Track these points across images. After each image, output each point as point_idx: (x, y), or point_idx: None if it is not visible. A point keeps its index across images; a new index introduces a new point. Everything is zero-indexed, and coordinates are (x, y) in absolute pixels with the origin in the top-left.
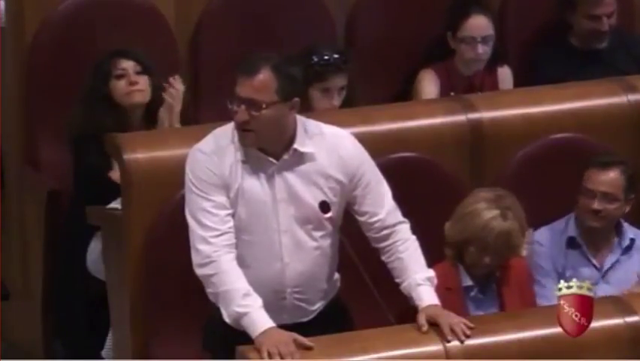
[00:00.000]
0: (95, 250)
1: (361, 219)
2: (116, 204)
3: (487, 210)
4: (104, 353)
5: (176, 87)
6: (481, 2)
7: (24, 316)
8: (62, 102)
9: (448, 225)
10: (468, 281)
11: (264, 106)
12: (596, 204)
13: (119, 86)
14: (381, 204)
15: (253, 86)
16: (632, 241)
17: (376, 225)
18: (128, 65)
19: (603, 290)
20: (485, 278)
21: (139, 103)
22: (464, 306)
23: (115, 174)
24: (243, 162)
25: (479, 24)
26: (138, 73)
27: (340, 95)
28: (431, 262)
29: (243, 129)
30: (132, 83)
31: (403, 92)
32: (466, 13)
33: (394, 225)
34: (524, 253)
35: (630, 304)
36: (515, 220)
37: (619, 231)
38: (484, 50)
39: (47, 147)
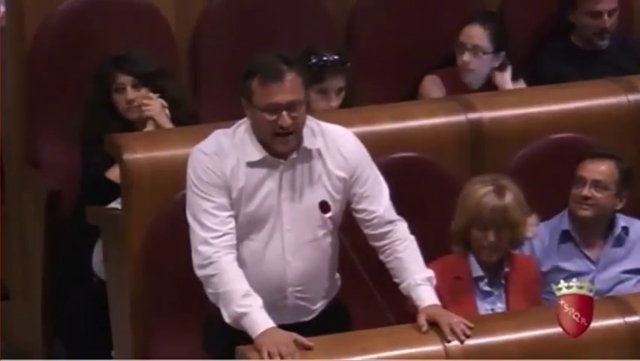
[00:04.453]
0: (100, 251)
1: (359, 216)
2: (116, 204)
3: (481, 189)
4: (114, 353)
5: (146, 102)
6: (492, 15)
7: (24, 316)
8: (62, 102)
9: (453, 221)
10: (478, 271)
11: (302, 104)
12: (586, 191)
13: (119, 99)
14: (379, 201)
15: (289, 90)
16: (625, 229)
17: (374, 221)
18: (125, 80)
19: (599, 283)
20: (495, 269)
21: (137, 118)
22: (473, 296)
23: (112, 173)
24: (249, 163)
25: (470, 32)
26: (136, 86)
27: (338, 97)
28: (431, 261)
29: (286, 133)
30: (129, 102)
31: (406, 98)
32: (468, 20)
33: (392, 222)
34: (530, 233)
35: (630, 304)
36: (512, 197)
37: (612, 223)
38: (470, 60)
39: (47, 147)
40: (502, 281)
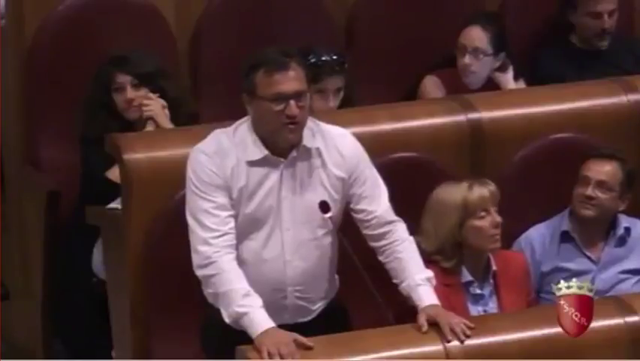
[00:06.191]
0: (100, 251)
1: (358, 216)
2: (116, 204)
3: (457, 187)
4: (114, 353)
5: (146, 102)
6: (492, 16)
7: (24, 316)
8: (62, 102)
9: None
10: (468, 277)
11: (307, 95)
12: (590, 191)
13: (118, 99)
14: (378, 202)
15: (295, 79)
16: (627, 230)
17: (373, 222)
18: (124, 79)
19: (599, 283)
20: (484, 271)
21: (136, 118)
22: (464, 301)
23: (112, 173)
24: (249, 162)
25: (470, 34)
26: (135, 86)
27: (336, 97)
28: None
29: (293, 123)
30: (128, 101)
31: (406, 98)
32: (468, 22)
33: (391, 222)
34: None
35: (630, 304)
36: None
37: (614, 223)
38: (471, 62)
39: (47, 147)
40: (491, 280)
